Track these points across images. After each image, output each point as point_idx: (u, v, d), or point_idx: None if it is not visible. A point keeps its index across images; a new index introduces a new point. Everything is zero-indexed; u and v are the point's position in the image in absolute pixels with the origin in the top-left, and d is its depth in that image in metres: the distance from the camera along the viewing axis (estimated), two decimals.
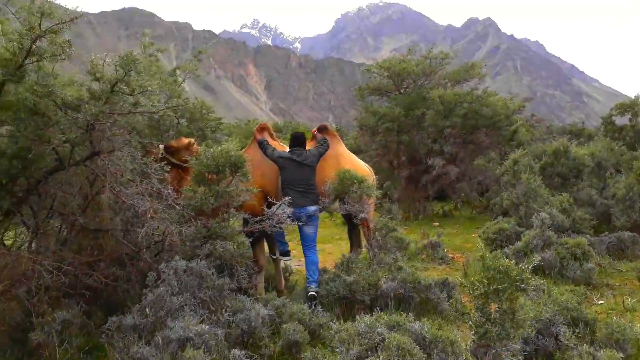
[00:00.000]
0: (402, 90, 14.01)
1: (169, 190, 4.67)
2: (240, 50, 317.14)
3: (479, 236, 7.94)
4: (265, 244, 6.16)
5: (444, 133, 12.57)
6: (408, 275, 5.10)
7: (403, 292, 5.01)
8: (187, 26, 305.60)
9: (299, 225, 5.57)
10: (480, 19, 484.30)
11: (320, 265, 8.25)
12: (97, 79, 4.38)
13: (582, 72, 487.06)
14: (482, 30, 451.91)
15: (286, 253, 6.00)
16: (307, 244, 5.71)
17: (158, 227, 4.66)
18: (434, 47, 14.48)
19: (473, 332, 3.43)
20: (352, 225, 6.17)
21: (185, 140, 5.80)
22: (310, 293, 5.39)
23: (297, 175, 5.51)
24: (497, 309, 3.34)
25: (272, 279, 6.41)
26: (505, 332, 3.27)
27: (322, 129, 6.34)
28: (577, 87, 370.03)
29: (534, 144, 16.85)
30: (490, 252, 6.93)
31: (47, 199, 5.06)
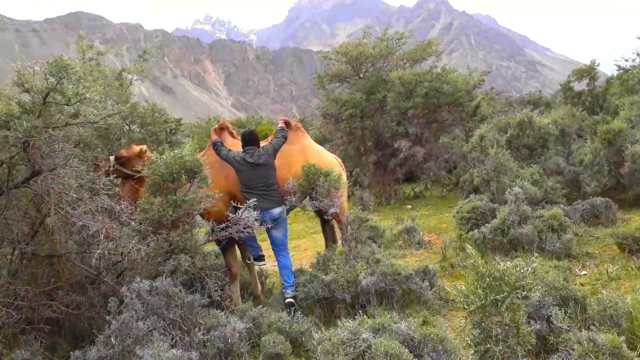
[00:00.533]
0: (361, 75, 13.78)
1: (122, 206, 4.28)
2: (195, 47, 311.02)
3: (453, 216, 7.80)
4: (237, 249, 5.83)
5: (407, 114, 12.43)
6: (387, 268, 4.87)
7: (384, 285, 4.79)
8: (138, 27, 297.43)
9: (267, 229, 5.26)
10: None
11: (297, 263, 8.02)
12: (27, 91, 3.95)
13: (534, 42, 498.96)
14: (434, 8, 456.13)
15: (260, 258, 5.68)
16: (278, 247, 5.39)
17: (116, 247, 4.28)
18: (389, 29, 14.28)
19: (472, 352, 3.11)
20: (325, 220, 5.92)
21: (137, 148, 5.39)
22: (287, 300, 5.12)
23: (253, 176, 5.14)
24: (498, 322, 2.99)
25: (248, 285, 6.10)
26: (511, 349, 2.93)
27: (286, 123, 6.03)
28: (530, 57, 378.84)
29: (496, 117, 16.98)
30: (467, 232, 6.81)
31: None
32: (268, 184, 5.18)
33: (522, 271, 2.94)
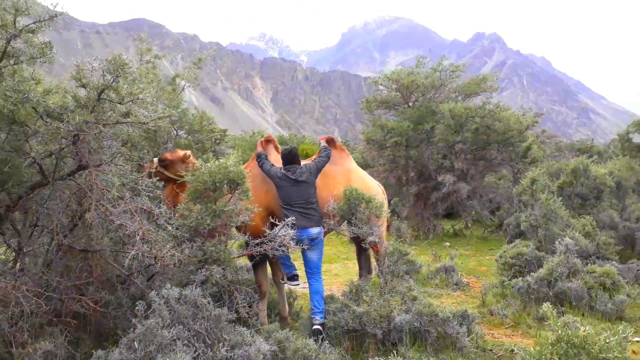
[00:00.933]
0: (410, 104, 13.60)
1: (162, 209, 4.23)
2: (246, 62, 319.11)
3: (495, 260, 7.44)
4: (268, 267, 5.69)
5: (454, 148, 12.12)
6: (424, 307, 4.61)
7: (419, 325, 4.52)
8: (195, 38, 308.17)
9: (302, 249, 5.10)
10: (486, 34, 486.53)
11: (327, 289, 7.80)
12: (84, 86, 3.97)
13: (589, 89, 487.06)
14: (488, 45, 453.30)
15: (293, 277, 5.52)
16: (311, 270, 5.20)
17: (150, 249, 4.22)
18: (444, 59, 14.08)
19: None
20: (361, 248, 5.71)
21: (181, 153, 5.37)
22: (315, 326, 4.89)
23: (294, 193, 5.00)
24: None
25: (275, 305, 5.93)
26: None
27: (330, 142, 5.90)
28: (584, 103, 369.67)
29: (547, 161, 16.41)
30: (510, 278, 6.45)
31: (31, 216, 4.64)
32: (308, 201, 5.03)
33: (608, 341, 2.54)
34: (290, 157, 5.22)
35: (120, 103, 4.08)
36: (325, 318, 4.93)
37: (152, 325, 3.74)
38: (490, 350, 4.70)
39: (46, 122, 3.79)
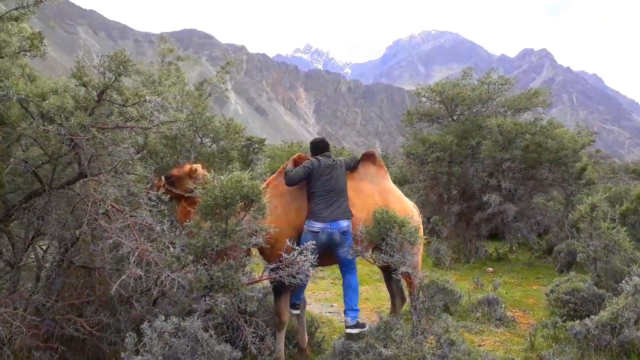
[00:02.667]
0: (454, 117, 12.81)
1: (164, 227, 3.73)
2: (292, 73, 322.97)
3: (546, 295, 6.60)
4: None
5: (501, 167, 11.23)
6: (463, 354, 3.91)
7: None
8: (242, 49, 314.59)
9: (334, 249, 4.65)
10: (535, 49, 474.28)
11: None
12: (84, 85, 3.54)
13: None
14: (537, 61, 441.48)
15: (295, 306, 5.01)
16: (347, 266, 4.80)
17: (147, 272, 3.73)
18: (492, 72, 13.25)
19: None
20: (389, 275, 5.09)
21: (187, 167, 4.90)
22: (347, 331, 4.60)
23: (331, 179, 4.69)
24: None
25: (295, 334, 5.34)
26: None
27: (370, 155, 5.34)
28: (638, 122, 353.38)
29: (602, 183, 15.19)
30: (563, 319, 5.62)
31: (26, 228, 4.25)
32: (342, 190, 4.72)
33: None
34: (324, 145, 5.04)
35: (123, 105, 3.63)
36: (359, 321, 4.64)
37: None
38: None
39: (42, 124, 3.37)
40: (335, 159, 4.92)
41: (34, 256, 4.40)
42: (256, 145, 23.14)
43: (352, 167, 5.15)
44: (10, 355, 3.76)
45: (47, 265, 4.39)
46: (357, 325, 4.65)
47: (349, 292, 4.76)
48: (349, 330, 4.61)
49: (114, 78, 3.43)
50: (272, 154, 23.00)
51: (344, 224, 4.63)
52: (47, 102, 3.38)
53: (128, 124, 3.42)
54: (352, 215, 4.74)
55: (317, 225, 4.55)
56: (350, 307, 4.69)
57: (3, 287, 4.19)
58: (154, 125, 3.45)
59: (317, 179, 4.70)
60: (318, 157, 4.88)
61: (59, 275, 4.33)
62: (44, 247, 4.64)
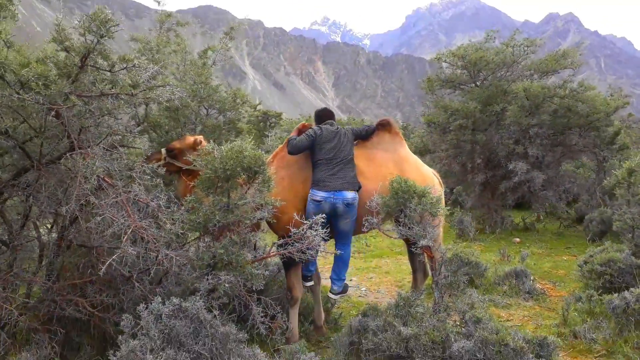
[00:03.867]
0: (478, 83, 12.18)
1: (161, 202, 3.45)
2: (309, 47, 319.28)
3: (579, 266, 6.18)
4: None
5: (528, 133, 10.65)
6: (490, 333, 3.57)
7: (482, 357, 3.50)
8: (259, 23, 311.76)
9: (333, 219, 4.40)
10: (560, 14, 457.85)
11: (375, 289, 6.87)
12: (66, 49, 3.23)
13: None
14: (562, 26, 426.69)
15: (307, 278, 4.79)
16: (343, 240, 4.58)
17: (146, 251, 3.47)
18: (517, 33, 12.50)
19: None
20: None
21: (191, 139, 4.59)
22: (331, 297, 4.79)
23: (334, 147, 4.45)
24: None
25: (310, 312, 5.09)
26: None
27: (384, 124, 4.98)
28: None
29: (635, 149, 14.44)
30: (599, 292, 5.22)
31: (20, 205, 4.03)
32: (347, 160, 4.44)
33: None
34: (327, 114, 4.84)
35: (110, 71, 3.31)
36: (343, 289, 4.70)
37: (135, 347, 2.99)
38: None
39: (16, 93, 3.08)
40: (340, 127, 4.69)
41: (32, 235, 4.17)
42: (273, 119, 22.81)
43: (365, 135, 4.86)
44: (7, 339, 3.58)
45: (45, 244, 4.18)
46: (343, 290, 4.70)
47: (339, 263, 4.63)
48: (332, 296, 4.71)
49: (96, 41, 3.09)
50: (289, 128, 22.65)
51: (349, 195, 4.35)
52: (26, 69, 3.07)
53: (113, 90, 3.09)
54: (360, 187, 4.46)
55: (320, 194, 4.28)
56: (338, 278, 4.63)
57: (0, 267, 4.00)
58: (141, 92, 3.11)
59: (321, 147, 4.45)
60: (321, 125, 4.66)
61: (57, 255, 4.12)
62: (48, 227, 4.46)
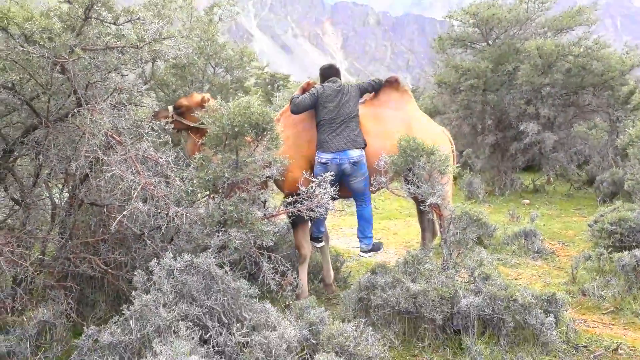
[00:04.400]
0: (490, 42, 11.89)
1: (169, 158, 3.44)
2: (317, 7, 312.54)
3: (589, 225, 6.16)
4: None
5: (540, 93, 10.45)
6: (498, 289, 3.59)
7: (491, 313, 3.53)
8: None
9: (345, 179, 4.38)
10: None
11: (384, 249, 6.89)
12: (69, 2, 3.16)
13: None
14: None
15: (318, 239, 4.80)
16: (358, 198, 4.54)
17: (156, 207, 3.49)
18: None
19: None
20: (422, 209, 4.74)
21: (198, 97, 4.53)
22: (361, 254, 4.70)
23: (334, 108, 4.34)
24: None
25: (320, 270, 5.15)
26: None
27: (393, 82, 4.88)
28: None
29: None
30: (609, 251, 5.21)
31: (31, 164, 4.05)
32: (350, 118, 4.35)
33: None
34: (332, 71, 4.65)
35: (114, 23, 3.24)
36: (373, 245, 4.60)
37: (148, 301, 3.04)
38: (585, 347, 3.64)
39: (20, 45, 3.03)
40: (344, 84, 4.54)
41: (43, 194, 4.21)
42: (280, 82, 22.55)
43: (372, 89, 4.77)
44: (23, 295, 3.65)
45: (57, 203, 4.22)
46: (373, 248, 4.61)
47: (362, 222, 4.57)
48: (362, 254, 4.65)
49: None
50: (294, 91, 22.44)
51: (355, 153, 4.29)
52: (29, 22, 3.02)
53: (118, 43, 3.03)
54: (365, 144, 4.40)
55: (325, 156, 4.25)
56: (364, 236, 4.56)
57: (14, 226, 4.05)
58: (147, 44, 3.05)
59: (323, 106, 4.35)
60: (324, 83, 4.54)
61: (69, 213, 4.15)
62: (59, 187, 4.49)
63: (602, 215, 5.98)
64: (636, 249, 4.60)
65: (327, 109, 4.34)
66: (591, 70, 10.23)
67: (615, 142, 8.19)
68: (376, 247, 4.61)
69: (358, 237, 4.62)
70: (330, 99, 4.35)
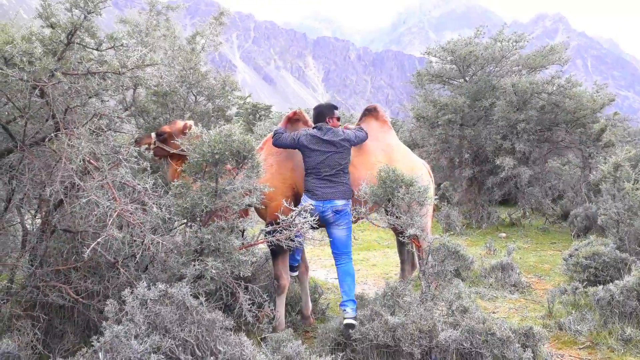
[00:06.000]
0: (467, 78, 12.24)
1: (147, 185, 3.39)
2: (300, 41, 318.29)
3: (564, 259, 6.24)
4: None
5: (516, 128, 10.72)
6: (477, 322, 3.58)
7: (469, 347, 3.51)
8: (250, 17, 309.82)
9: (327, 227, 4.28)
10: (549, 14, 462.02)
11: (362, 281, 6.87)
12: (52, 26, 3.15)
13: None
14: (551, 26, 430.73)
15: (293, 268, 4.73)
16: (339, 251, 4.33)
17: (131, 235, 3.41)
18: (505, 28, 12.56)
19: None
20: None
21: (181, 124, 4.52)
22: (346, 321, 4.04)
23: (323, 156, 4.19)
24: None
25: (298, 301, 5.06)
26: None
27: (371, 110, 4.94)
28: None
29: (621, 146, 14.60)
30: (584, 284, 5.27)
31: (3, 188, 3.94)
32: (339, 169, 4.21)
33: None
34: (318, 113, 4.47)
35: (96, 49, 3.24)
36: (356, 311, 4.07)
37: (119, 333, 2.94)
38: None
39: (1, 69, 2.99)
40: (334, 134, 4.29)
41: (15, 220, 4.09)
42: (262, 112, 22.69)
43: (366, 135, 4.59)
44: None
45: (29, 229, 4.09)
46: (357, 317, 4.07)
47: (347, 280, 4.25)
48: (349, 321, 4.04)
49: (83, 17, 3.02)
50: (278, 122, 22.58)
51: (339, 202, 4.19)
52: (10, 45, 2.99)
53: (100, 69, 3.02)
54: (352, 195, 4.29)
55: (309, 202, 4.10)
56: (349, 298, 4.19)
57: None
58: (129, 70, 3.05)
59: (306, 154, 4.25)
60: (309, 130, 4.37)
61: (41, 240, 4.03)
62: (32, 213, 4.37)
63: (576, 250, 6.07)
64: (610, 284, 4.66)
65: (310, 157, 4.23)
66: (564, 107, 10.57)
67: (588, 178, 8.40)
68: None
69: (344, 302, 4.19)
70: (312, 148, 4.24)
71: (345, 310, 4.14)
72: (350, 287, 4.25)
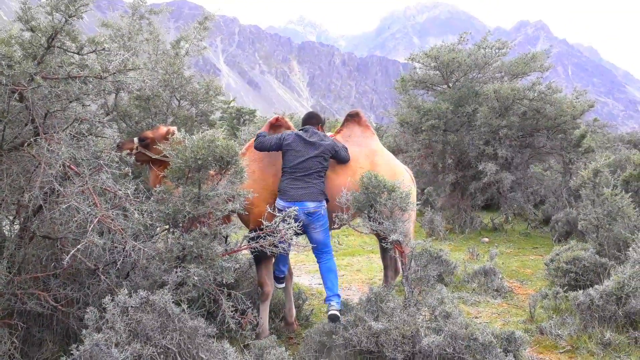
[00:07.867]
0: (450, 84, 12.35)
1: (128, 191, 3.35)
2: (285, 46, 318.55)
3: (545, 264, 6.31)
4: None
5: (498, 134, 10.85)
6: (459, 327, 3.60)
7: (452, 352, 3.52)
8: (234, 21, 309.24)
9: (306, 230, 4.29)
10: (530, 21, 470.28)
11: (346, 287, 6.86)
12: (32, 29, 3.10)
13: (638, 80, 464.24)
14: (532, 33, 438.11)
15: (279, 280, 4.72)
16: (319, 250, 4.38)
17: (112, 241, 3.37)
18: (489, 35, 12.72)
19: None
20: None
21: (164, 129, 4.49)
22: (330, 312, 4.08)
23: (302, 158, 4.23)
24: None
25: (281, 308, 5.04)
26: None
27: (354, 115, 4.96)
28: (632, 95, 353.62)
29: (600, 152, 14.88)
30: (564, 289, 5.34)
31: None
32: (313, 171, 4.23)
33: None
34: (307, 118, 4.67)
35: (78, 53, 3.20)
36: (341, 305, 4.20)
37: (99, 341, 2.89)
38: None
39: None
40: (320, 139, 4.36)
41: None
42: (247, 116, 22.60)
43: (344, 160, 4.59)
44: None
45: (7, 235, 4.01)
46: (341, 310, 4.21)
47: (330, 276, 4.31)
48: (333, 312, 4.08)
49: (64, 20, 2.98)
50: (261, 126, 22.52)
51: (310, 205, 4.18)
52: None
53: (81, 73, 2.98)
54: (324, 199, 4.29)
55: (281, 203, 4.18)
56: (334, 293, 4.22)
57: None
58: (111, 75, 3.01)
59: (287, 153, 4.29)
60: (295, 131, 4.48)
61: (19, 246, 3.96)
62: (10, 218, 4.29)
63: (557, 254, 6.14)
64: (590, 288, 4.73)
65: (290, 157, 4.26)
66: (545, 114, 10.73)
67: (569, 183, 8.52)
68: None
69: (328, 297, 4.23)
70: (295, 147, 4.27)
71: (330, 304, 4.18)
72: (334, 282, 4.31)
